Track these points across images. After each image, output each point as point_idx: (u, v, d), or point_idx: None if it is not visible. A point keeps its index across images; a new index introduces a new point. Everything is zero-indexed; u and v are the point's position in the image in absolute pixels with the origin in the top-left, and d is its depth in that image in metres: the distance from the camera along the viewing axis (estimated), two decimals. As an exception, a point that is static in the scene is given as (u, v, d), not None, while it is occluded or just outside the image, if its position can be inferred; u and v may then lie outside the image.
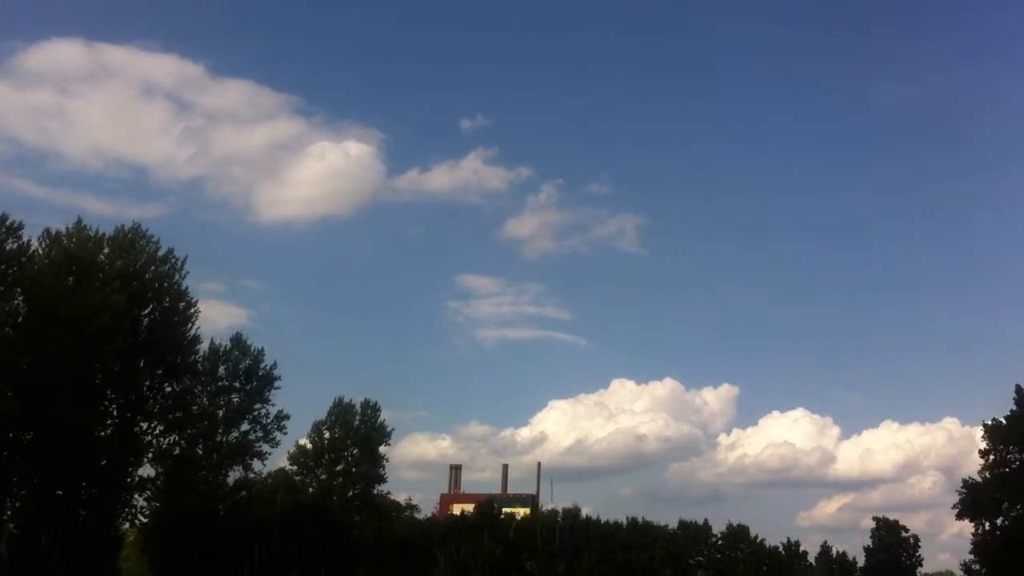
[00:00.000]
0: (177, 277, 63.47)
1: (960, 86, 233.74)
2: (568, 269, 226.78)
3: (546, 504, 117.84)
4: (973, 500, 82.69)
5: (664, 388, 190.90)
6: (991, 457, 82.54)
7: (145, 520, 67.65)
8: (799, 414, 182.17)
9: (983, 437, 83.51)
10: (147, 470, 65.97)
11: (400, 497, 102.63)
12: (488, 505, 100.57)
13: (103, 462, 60.66)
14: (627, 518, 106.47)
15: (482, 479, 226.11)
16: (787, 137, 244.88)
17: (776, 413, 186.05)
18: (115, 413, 62.18)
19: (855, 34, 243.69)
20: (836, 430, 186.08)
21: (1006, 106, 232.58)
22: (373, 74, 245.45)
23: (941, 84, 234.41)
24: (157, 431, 65.64)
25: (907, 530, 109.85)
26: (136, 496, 65.16)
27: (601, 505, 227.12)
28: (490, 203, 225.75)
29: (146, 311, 62.06)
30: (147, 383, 62.97)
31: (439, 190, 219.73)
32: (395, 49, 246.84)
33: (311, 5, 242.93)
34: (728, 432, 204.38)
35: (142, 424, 64.20)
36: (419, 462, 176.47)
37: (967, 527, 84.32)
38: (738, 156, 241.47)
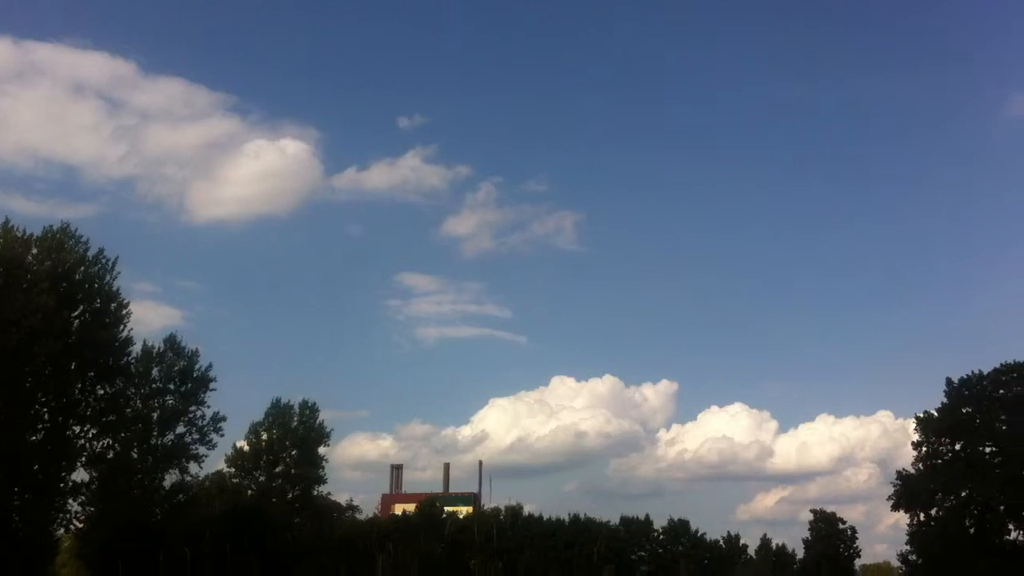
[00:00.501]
0: (108, 278, 62.21)
1: (868, 88, 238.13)
2: (507, 267, 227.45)
3: (488, 502, 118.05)
4: (907, 492, 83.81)
5: (604, 385, 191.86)
6: (923, 449, 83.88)
7: (80, 525, 66.56)
8: (737, 408, 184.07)
9: (915, 429, 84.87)
10: (81, 474, 64.77)
11: (341, 498, 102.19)
12: (430, 505, 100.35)
13: (35, 467, 59.52)
14: (569, 515, 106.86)
15: (424, 479, 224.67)
16: (722, 134, 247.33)
17: (715, 408, 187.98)
18: (46, 417, 60.87)
19: (773, 37, 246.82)
20: (774, 424, 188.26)
21: (931, 104, 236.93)
22: (309, 72, 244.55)
23: (854, 86, 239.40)
24: (90, 435, 64.24)
25: (844, 522, 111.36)
26: (70, 501, 63.92)
27: (544, 502, 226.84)
28: (429, 201, 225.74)
29: (76, 313, 60.75)
30: (79, 386, 61.68)
31: (377, 188, 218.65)
32: (331, 46, 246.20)
33: (245, 2, 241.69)
34: (668, 427, 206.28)
35: (74, 428, 62.88)
36: (360, 462, 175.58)
37: (903, 518, 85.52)
38: (674, 153, 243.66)
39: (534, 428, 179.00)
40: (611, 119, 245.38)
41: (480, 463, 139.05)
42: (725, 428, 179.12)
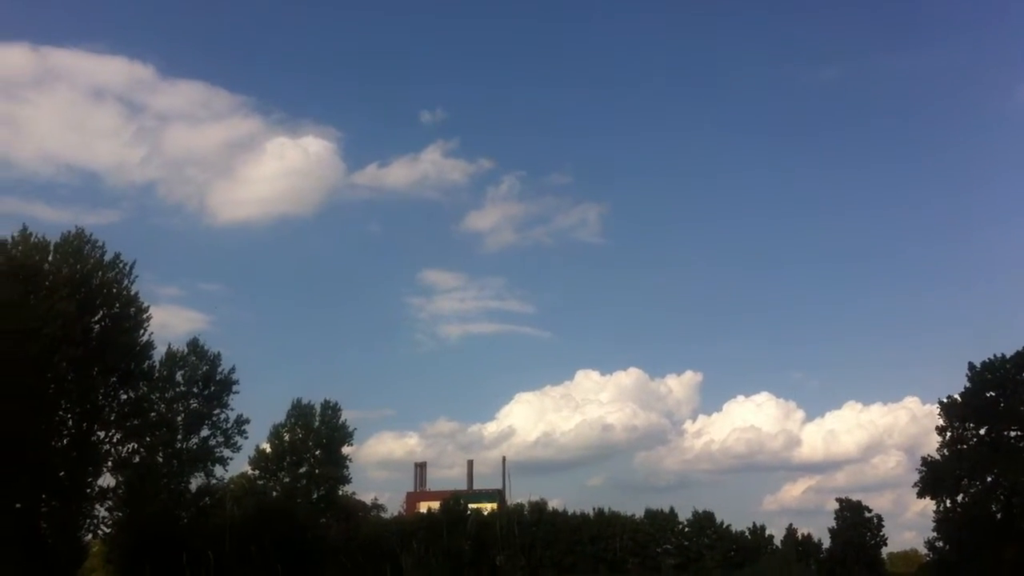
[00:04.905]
0: (126, 282, 62.64)
1: (894, 68, 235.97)
2: (530, 261, 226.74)
3: (512, 498, 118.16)
4: (932, 478, 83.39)
5: (629, 377, 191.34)
6: (948, 434, 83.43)
7: (108, 531, 66.98)
8: (763, 398, 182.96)
9: (940, 415, 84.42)
10: (107, 480, 65.11)
11: (367, 497, 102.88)
12: (454, 501, 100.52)
13: (61, 473, 59.88)
14: (594, 509, 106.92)
15: (450, 476, 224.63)
16: (745, 121, 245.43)
17: (740, 398, 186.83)
18: (71, 423, 61.33)
19: (799, 18, 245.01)
20: (800, 413, 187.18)
21: (944, 84, 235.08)
22: (330, 70, 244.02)
23: (873, 66, 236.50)
24: (115, 439, 64.73)
25: (870, 510, 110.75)
26: (97, 506, 64.38)
27: (569, 497, 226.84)
28: (450, 197, 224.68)
29: (96, 318, 61.12)
30: (101, 391, 62.05)
31: (398, 184, 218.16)
32: (352, 43, 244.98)
33: (261, 3, 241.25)
34: (694, 419, 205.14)
35: (99, 433, 63.30)
36: (387, 461, 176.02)
37: (930, 505, 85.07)
38: (698, 143, 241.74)
39: (559, 423, 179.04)
40: (635, 108, 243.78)
41: (504, 459, 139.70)
42: (751, 418, 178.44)
